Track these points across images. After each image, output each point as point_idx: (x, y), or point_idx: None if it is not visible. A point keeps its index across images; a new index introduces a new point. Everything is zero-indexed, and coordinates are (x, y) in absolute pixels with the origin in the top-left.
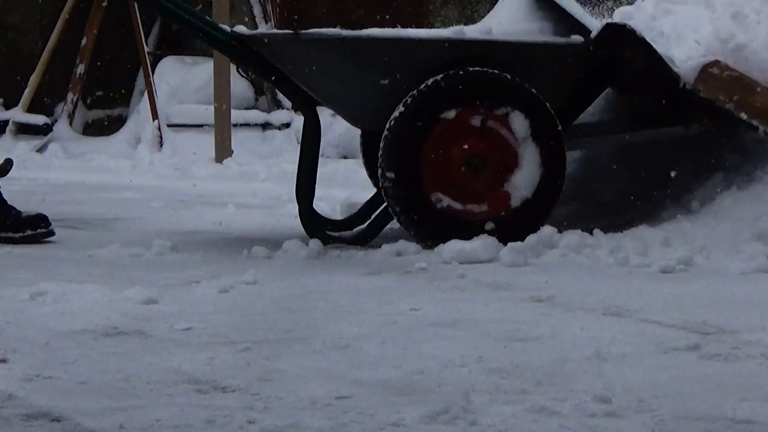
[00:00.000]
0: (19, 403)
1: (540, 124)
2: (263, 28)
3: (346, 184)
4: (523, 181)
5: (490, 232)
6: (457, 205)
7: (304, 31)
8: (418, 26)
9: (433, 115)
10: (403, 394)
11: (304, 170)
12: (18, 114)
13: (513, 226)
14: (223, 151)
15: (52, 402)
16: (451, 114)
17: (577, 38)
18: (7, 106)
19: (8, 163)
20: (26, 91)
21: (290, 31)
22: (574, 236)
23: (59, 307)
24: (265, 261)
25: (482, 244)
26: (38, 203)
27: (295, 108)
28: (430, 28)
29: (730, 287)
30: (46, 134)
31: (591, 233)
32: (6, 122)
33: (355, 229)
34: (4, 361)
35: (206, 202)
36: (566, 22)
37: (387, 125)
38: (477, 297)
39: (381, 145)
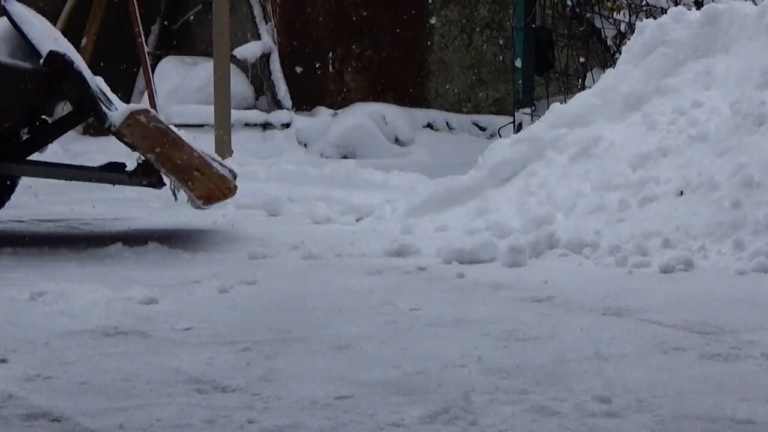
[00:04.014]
0: (19, 403)
1: None
2: (263, 29)
3: (346, 184)
4: None
5: None
6: None
7: None
8: (418, 26)
9: None
10: (403, 394)
11: None
12: None
13: None
14: (223, 151)
15: (52, 402)
16: None
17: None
18: None
19: None
20: None
21: None
22: (574, 236)
23: (59, 307)
24: (264, 261)
25: (482, 244)
26: (38, 203)
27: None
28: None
29: (730, 287)
30: None
31: (591, 233)
32: None
33: None
34: (4, 361)
35: None
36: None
37: None
38: (477, 297)
39: None
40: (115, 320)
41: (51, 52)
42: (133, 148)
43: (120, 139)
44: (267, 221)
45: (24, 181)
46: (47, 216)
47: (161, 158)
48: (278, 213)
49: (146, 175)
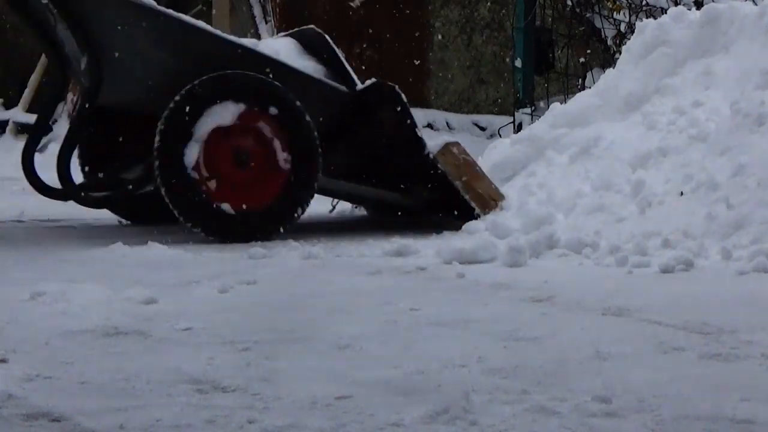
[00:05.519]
0: (19, 403)
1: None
2: (263, 28)
3: None
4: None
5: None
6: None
7: None
8: (418, 26)
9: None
10: (403, 394)
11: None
12: (18, 114)
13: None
14: None
15: (52, 402)
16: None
17: (342, 87)
18: (7, 106)
19: None
20: (26, 91)
21: None
22: (574, 236)
23: (59, 307)
24: (264, 261)
25: (482, 244)
26: (38, 203)
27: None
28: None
29: (730, 287)
30: (46, 134)
31: (591, 233)
32: (6, 122)
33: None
34: (4, 361)
35: None
36: (334, 70)
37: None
38: (477, 297)
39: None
40: (115, 320)
41: (376, 83)
42: (443, 173)
43: (434, 163)
44: None
45: (24, 181)
46: (47, 216)
47: (466, 186)
48: None
49: None
